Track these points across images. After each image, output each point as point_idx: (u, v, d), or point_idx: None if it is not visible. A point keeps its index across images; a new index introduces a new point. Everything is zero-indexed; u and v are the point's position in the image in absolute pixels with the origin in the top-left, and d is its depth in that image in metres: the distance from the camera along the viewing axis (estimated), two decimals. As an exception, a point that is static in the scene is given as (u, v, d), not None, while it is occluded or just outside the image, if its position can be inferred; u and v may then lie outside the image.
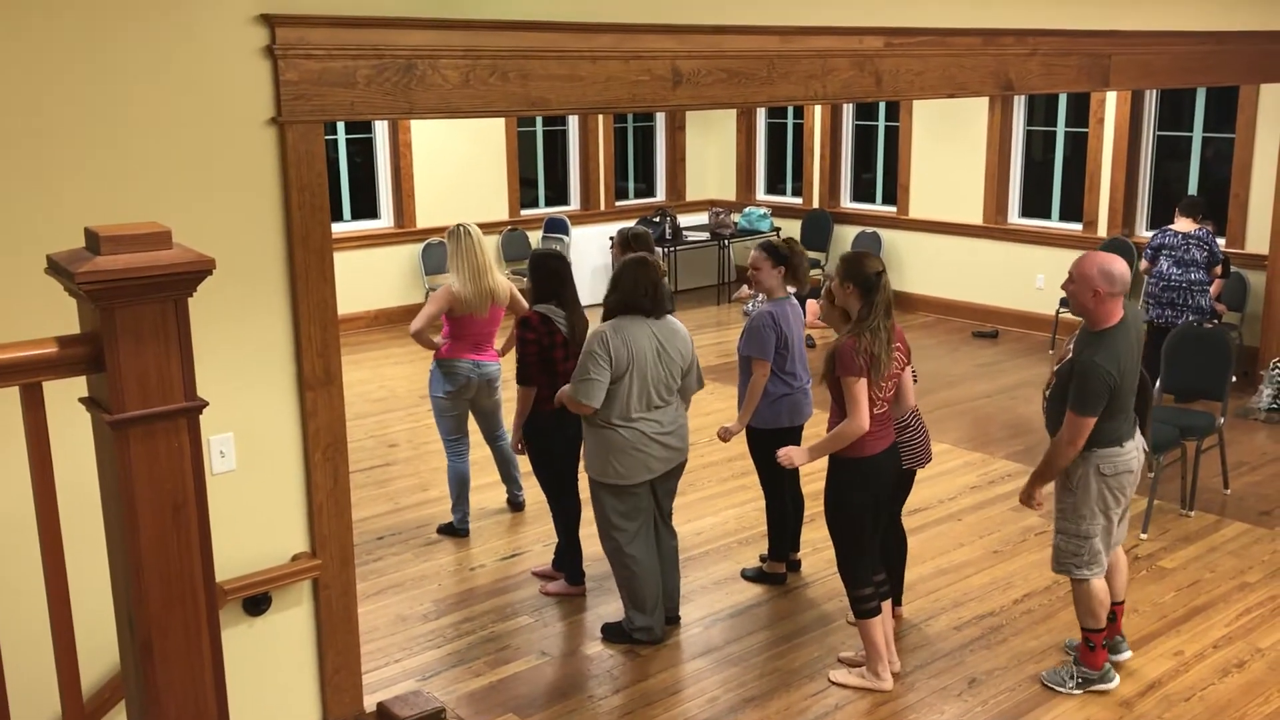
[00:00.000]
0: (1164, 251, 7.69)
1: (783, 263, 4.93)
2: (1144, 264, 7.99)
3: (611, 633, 4.73)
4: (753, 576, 5.27)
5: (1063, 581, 5.19)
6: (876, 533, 4.29)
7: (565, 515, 5.09)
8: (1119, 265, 3.99)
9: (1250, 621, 4.84)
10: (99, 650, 2.92)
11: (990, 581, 5.24)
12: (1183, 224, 7.65)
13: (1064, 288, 4.15)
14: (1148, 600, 5.03)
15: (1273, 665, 4.48)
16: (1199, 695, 4.27)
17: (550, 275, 4.95)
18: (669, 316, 4.56)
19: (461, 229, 5.50)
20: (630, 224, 11.48)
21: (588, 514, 4.84)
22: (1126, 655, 4.49)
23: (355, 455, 6.59)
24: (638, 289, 4.43)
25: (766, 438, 4.92)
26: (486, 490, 6.25)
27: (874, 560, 4.28)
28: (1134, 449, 4.17)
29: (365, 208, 10.60)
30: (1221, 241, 8.51)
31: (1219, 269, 7.68)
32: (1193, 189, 9.15)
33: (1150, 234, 8.21)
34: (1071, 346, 4.15)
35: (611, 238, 5.21)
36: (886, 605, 4.36)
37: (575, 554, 5.12)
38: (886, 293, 4.00)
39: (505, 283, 5.58)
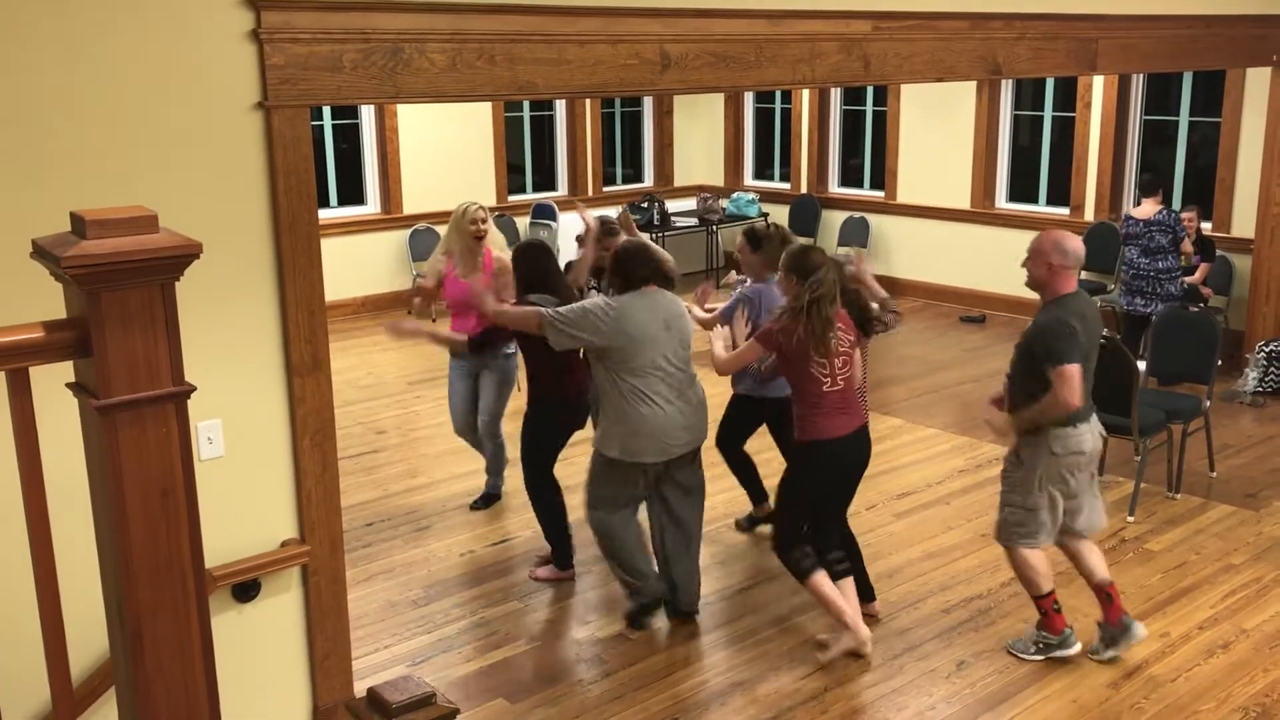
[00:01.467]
0: (1131, 240, 7.74)
1: (759, 248, 5.05)
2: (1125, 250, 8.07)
3: (631, 619, 4.69)
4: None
5: (1051, 563, 5.22)
6: (833, 519, 4.50)
7: (548, 509, 5.08)
8: (1073, 241, 4.21)
9: (1236, 603, 4.87)
10: (88, 637, 2.91)
11: (978, 564, 5.26)
12: (1146, 207, 7.70)
13: (1023, 264, 4.35)
14: (1134, 583, 5.06)
15: (1258, 646, 4.52)
16: (1185, 676, 4.30)
17: (534, 265, 4.95)
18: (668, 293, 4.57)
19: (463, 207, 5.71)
20: (612, 211, 11.49)
21: (572, 500, 4.85)
22: (1142, 632, 4.42)
23: (343, 442, 6.57)
24: (635, 263, 4.46)
25: (753, 405, 5.23)
26: (480, 476, 6.24)
27: (829, 540, 4.44)
28: (1088, 431, 4.24)
29: (352, 194, 10.55)
30: (1208, 226, 8.55)
31: (1186, 245, 7.71)
32: (1179, 173, 9.18)
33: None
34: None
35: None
36: (846, 583, 4.44)
37: (564, 539, 5.12)
38: (828, 285, 4.15)
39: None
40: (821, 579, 4.32)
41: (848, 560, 4.51)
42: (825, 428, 4.24)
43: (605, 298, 4.49)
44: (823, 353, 4.16)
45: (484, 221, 5.69)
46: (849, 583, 4.46)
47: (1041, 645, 4.40)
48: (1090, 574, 4.41)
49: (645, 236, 5.84)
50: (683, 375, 4.48)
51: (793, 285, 4.23)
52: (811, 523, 4.40)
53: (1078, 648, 4.39)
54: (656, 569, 4.70)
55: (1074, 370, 4.06)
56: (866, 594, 4.70)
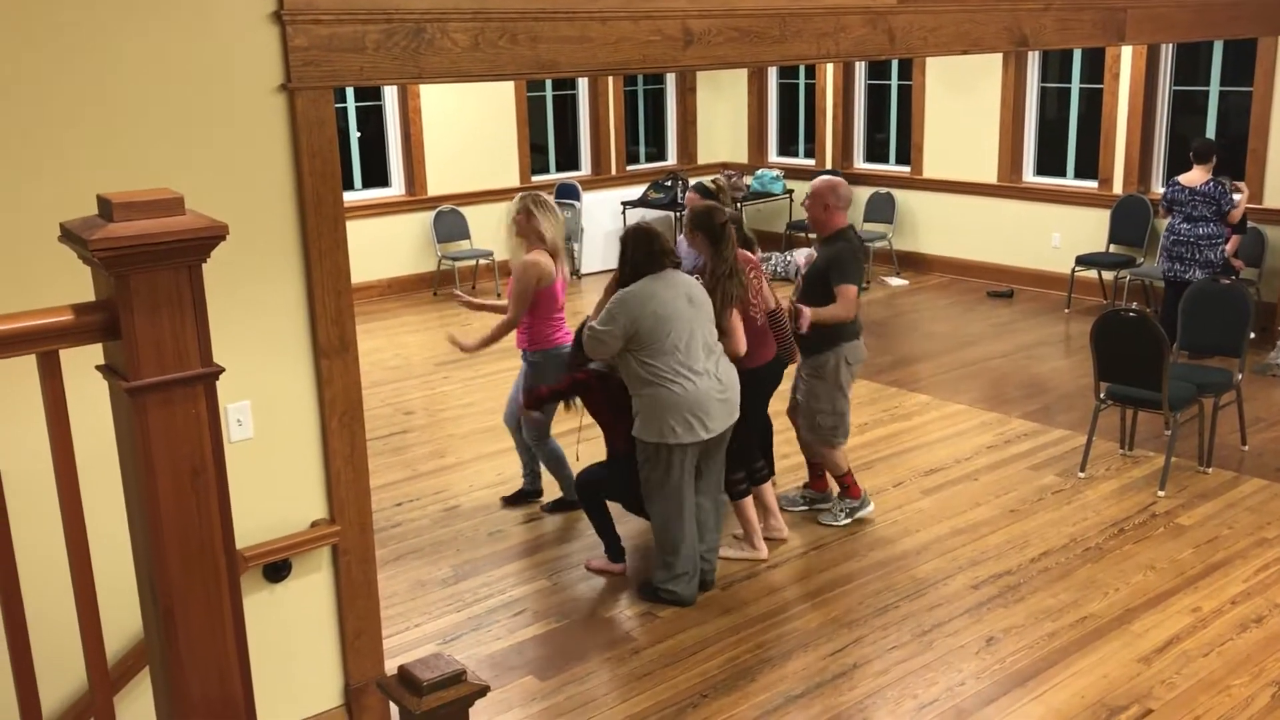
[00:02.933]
0: (1175, 206, 7.66)
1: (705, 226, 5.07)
2: (1162, 213, 7.98)
3: (645, 591, 4.77)
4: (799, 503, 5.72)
5: (1079, 539, 5.21)
6: (754, 428, 5.13)
7: (599, 507, 5.00)
8: (845, 188, 5.16)
9: (1269, 577, 4.83)
10: (122, 618, 2.94)
11: (1007, 540, 5.24)
12: (1195, 174, 7.60)
13: (803, 204, 5.35)
14: (1165, 557, 5.02)
15: (1291, 620, 4.48)
16: (1217, 651, 4.28)
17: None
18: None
19: (540, 195, 5.29)
20: (635, 192, 11.47)
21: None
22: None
23: (372, 423, 6.61)
24: (643, 248, 4.51)
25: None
26: (510, 454, 6.26)
27: (752, 449, 5.08)
28: (863, 343, 5.30)
29: (376, 176, 10.57)
30: (1241, 197, 8.43)
31: (1235, 214, 7.61)
32: (1210, 144, 9.06)
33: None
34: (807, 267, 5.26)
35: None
36: (765, 487, 5.20)
37: (613, 533, 5.03)
38: (731, 241, 4.83)
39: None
40: (748, 504, 5.05)
41: (767, 468, 5.31)
42: (750, 358, 4.90)
43: (620, 294, 4.52)
44: (742, 298, 4.84)
45: (519, 213, 5.20)
46: (768, 487, 5.22)
47: (848, 511, 5.40)
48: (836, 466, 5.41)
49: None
50: (711, 350, 4.53)
51: (705, 245, 4.82)
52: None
53: (872, 506, 5.48)
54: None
55: (854, 290, 5.00)
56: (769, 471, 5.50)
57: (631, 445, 4.66)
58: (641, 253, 4.53)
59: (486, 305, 5.80)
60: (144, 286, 1.75)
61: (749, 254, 5.16)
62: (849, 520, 5.39)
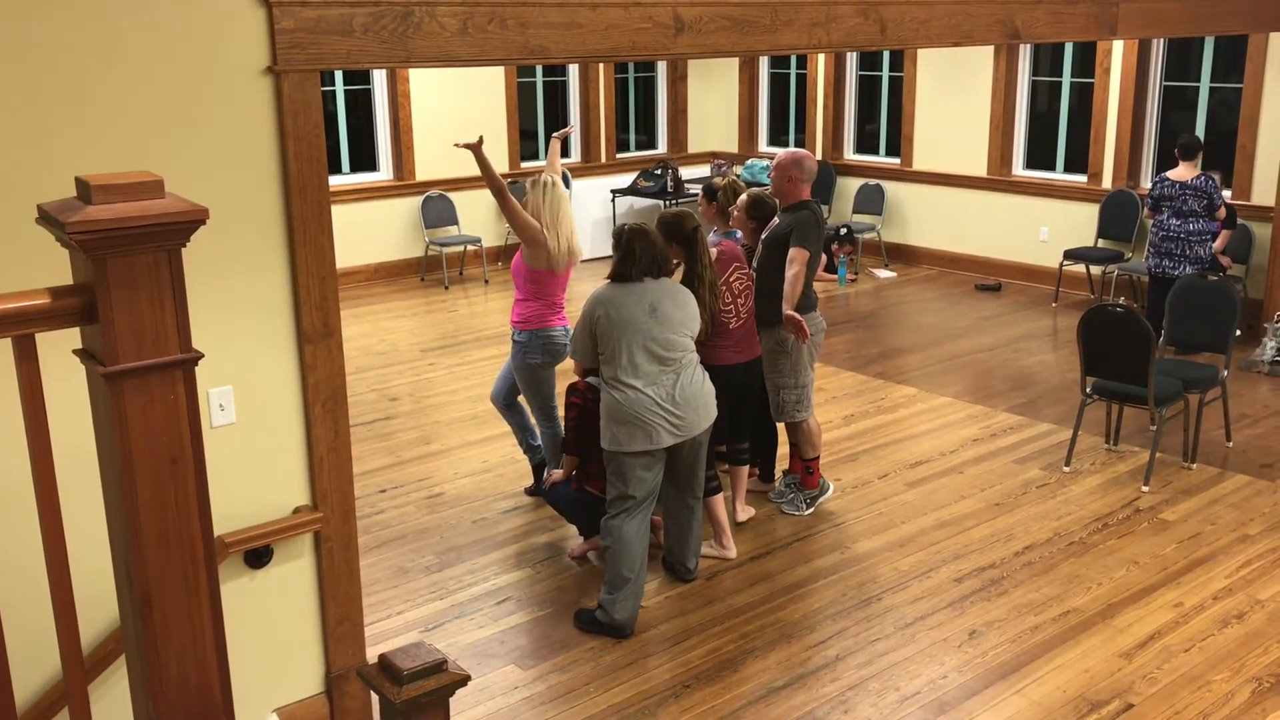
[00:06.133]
0: (1164, 202, 7.65)
1: (712, 200, 5.47)
2: (1146, 213, 7.97)
3: (583, 619, 4.51)
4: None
5: (1063, 533, 5.22)
6: (744, 426, 5.29)
7: (563, 498, 5.02)
8: (810, 160, 5.32)
9: (1250, 573, 4.85)
10: (98, 605, 2.92)
11: (991, 534, 5.25)
12: (1182, 170, 7.60)
13: (769, 175, 5.42)
14: (1148, 552, 5.04)
15: (1272, 616, 4.50)
16: (1198, 646, 4.29)
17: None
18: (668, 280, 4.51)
19: (550, 178, 5.29)
20: (625, 179, 11.44)
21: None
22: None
23: (356, 409, 6.59)
24: (629, 258, 4.42)
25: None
26: (496, 441, 6.24)
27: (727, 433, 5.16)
28: (820, 314, 5.39)
29: (364, 160, 10.52)
30: (1227, 193, 8.45)
31: (1222, 212, 7.62)
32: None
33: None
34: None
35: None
36: (741, 469, 5.35)
37: (581, 514, 5.04)
38: (704, 247, 4.84)
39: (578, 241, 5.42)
40: (718, 501, 5.02)
41: (748, 452, 5.38)
42: (724, 356, 5.02)
43: (589, 298, 4.46)
44: (716, 301, 4.96)
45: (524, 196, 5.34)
46: (743, 470, 5.36)
47: (809, 500, 5.46)
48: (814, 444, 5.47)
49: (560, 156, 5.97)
50: (665, 363, 4.36)
51: (675, 252, 4.77)
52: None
53: (832, 489, 5.60)
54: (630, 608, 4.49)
55: (805, 254, 5.08)
56: (767, 475, 5.75)
57: (590, 479, 4.80)
58: (644, 259, 4.43)
59: (490, 166, 5.32)
60: (122, 270, 1.73)
61: (736, 249, 5.20)
62: (811, 510, 5.44)
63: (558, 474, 5.03)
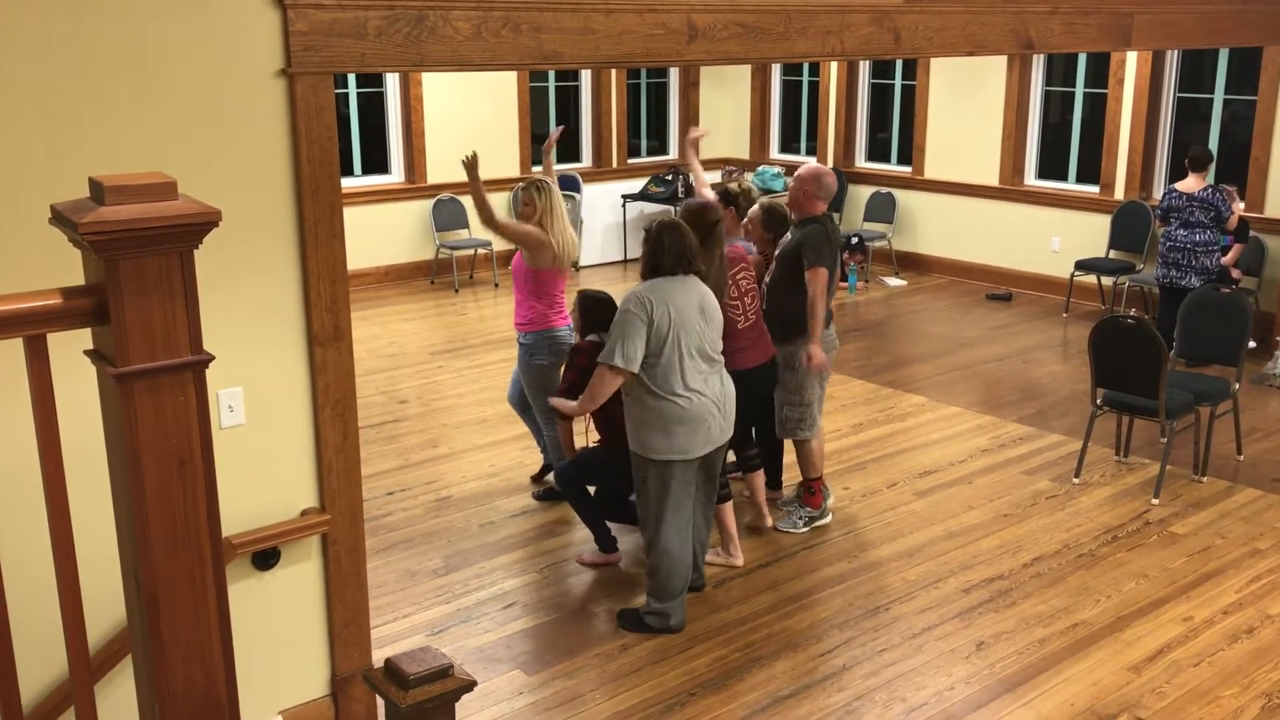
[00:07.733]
0: (1172, 213, 7.64)
1: (730, 205, 5.37)
2: (1157, 224, 7.96)
3: (628, 619, 4.54)
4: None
5: (1072, 545, 5.19)
6: (749, 429, 5.23)
7: (582, 498, 5.01)
8: (830, 178, 5.21)
9: (1261, 588, 4.82)
10: (105, 605, 2.92)
11: (999, 545, 5.23)
12: (1191, 181, 7.59)
13: (787, 189, 5.38)
14: (1158, 565, 5.01)
15: (1283, 632, 4.47)
16: (1208, 661, 4.27)
17: (596, 308, 4.94)
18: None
19: (545, 183, 5.40)
20: (637, 184, 11.43)
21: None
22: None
23: (365, 411, 6.60)
24: (669, 250, 4.28)
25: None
26: (504, 445, 6.24)
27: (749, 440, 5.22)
28: (834, 331, 5.38)
29: (376, 163, 10.53)
30: (1241, 206, 8.42)
31: (1232, 223, 7.60)
32: (1213, 153, 9.04)
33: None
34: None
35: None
36: (756, 475, 5.32)
37: (600, 522, 5.03)
38: (720, 243, 4.80)
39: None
40: (727, 509, 4.98)
41: (759, 457, 5.36)
42: (740, 360, 4.87)
43: (634, 293, 4.27)
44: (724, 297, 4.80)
45: (525, 205, 5.43)
46: (758, 476, 5.33)
47: (808, 519, 5.39)
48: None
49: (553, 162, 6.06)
50: (714, 363, 4.35)
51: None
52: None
53: (830, 516, 5.47)
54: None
55: (823, 273, 5.01)
56: (774, 483, 5.69)
57: (611, 434, 4.67)
58: (672, 253, 4.27)
59: (481, 189, 5.38)
60: (134, 271, 1.73)
61: (743, 251, 5.17)
62: (807, 529, 5.36)
63: (571, 405, 4.67)
